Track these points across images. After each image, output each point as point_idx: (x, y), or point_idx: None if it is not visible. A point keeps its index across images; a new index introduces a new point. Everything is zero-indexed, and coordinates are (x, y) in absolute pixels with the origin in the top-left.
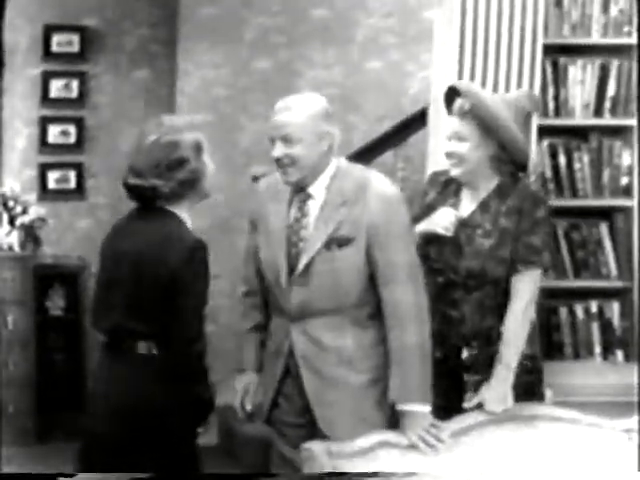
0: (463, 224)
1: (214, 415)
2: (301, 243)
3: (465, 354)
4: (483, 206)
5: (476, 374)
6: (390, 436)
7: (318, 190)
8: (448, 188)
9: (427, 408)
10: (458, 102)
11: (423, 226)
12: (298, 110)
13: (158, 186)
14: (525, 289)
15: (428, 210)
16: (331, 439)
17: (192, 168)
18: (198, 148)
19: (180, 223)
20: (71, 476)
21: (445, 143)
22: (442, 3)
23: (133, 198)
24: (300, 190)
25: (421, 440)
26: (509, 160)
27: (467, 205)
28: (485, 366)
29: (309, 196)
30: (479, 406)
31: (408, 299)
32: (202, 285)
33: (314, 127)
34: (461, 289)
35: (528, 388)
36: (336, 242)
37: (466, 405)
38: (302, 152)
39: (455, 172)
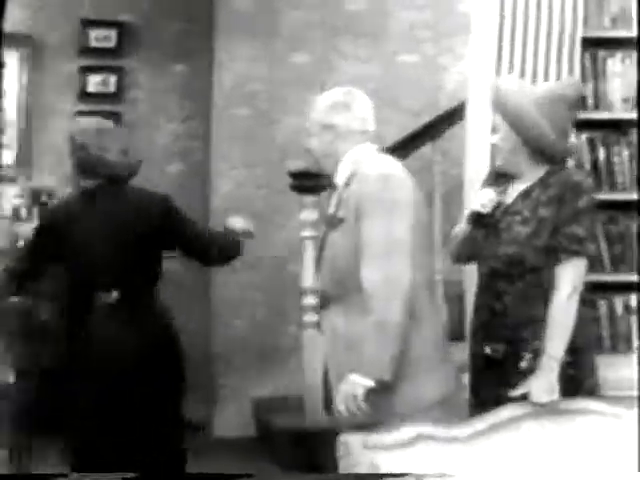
0: (505, 211)
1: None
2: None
3: (510, 347)
4: (525, 194)
5: (521, 367)
6: (428, 429)
7: (339, 178)
8: (499, 180)
9: (366, 382)
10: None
11: (468, 209)
12: (313, 105)
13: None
14: (568, 278)
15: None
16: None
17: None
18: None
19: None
20: (65, 476)
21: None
22: None
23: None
24: (330, 179)
25: (342, 404)
26: (541, 153)
27: (512, 194)
28: (530, 358)
29: (334, 185)
30: (524, 397)
31: (374, 276)
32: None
33: (320, 120)
34: (504, 279)
35: (570, 383)
36: (331, 224)
37: (511, 394)
38: (312, 143)
39: (497, 162)
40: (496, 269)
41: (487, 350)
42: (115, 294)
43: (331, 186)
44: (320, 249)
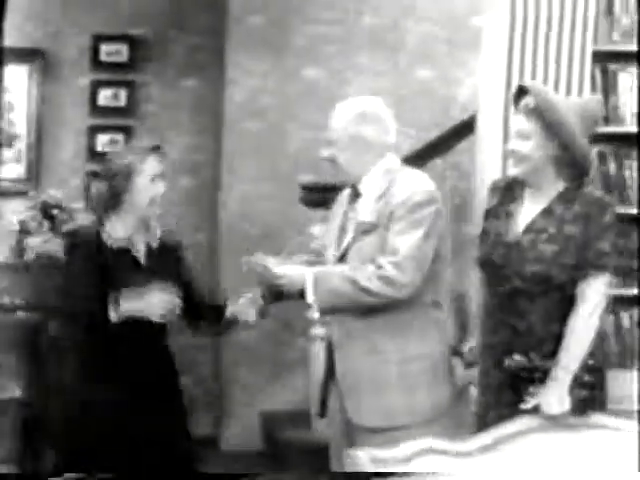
0: (527, 229)
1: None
2: (344, 236)
3: (532, 364)
4: (547, 211)
5: (540, 383)
6: (435, 443)
7: (365, 187)
8: (509, 193)
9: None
10: (524, 100)
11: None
12: (337, 115)
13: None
14: (593, 293)
15: (487, 217)
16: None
17: (111, 184)
18: (127, 170)
19: (92, 223)
20: (59, 475)
21: (510, 140)
22: (491, 9)
23: None
24: (353, 188)
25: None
26: (571, 163)
27: (530, 209)
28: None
29: (358, 193)
30: (536, 409)
31: (380, 271)
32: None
33: (347, 130)
34: (526, 298)
35: (587, 403)
36: (362, 229)
37: (523, 407)
38: (338, 153)
39: (514, 171)
40: (518, 288)
41: (507, 363)
42: None
43: (356, 195)
44: (342, 255)
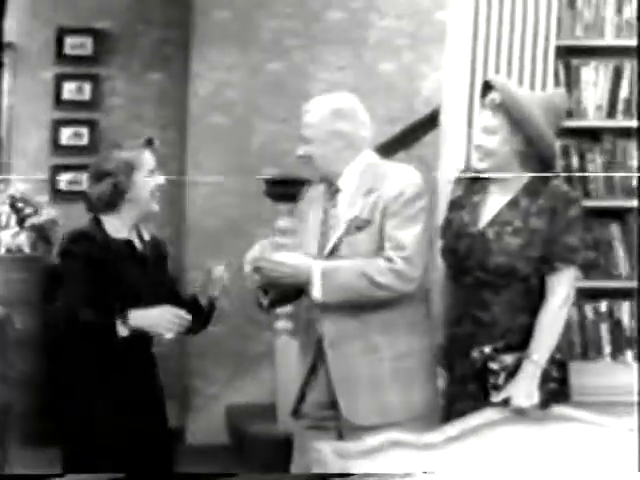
0: (492, 221)
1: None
2: (330, 232)
3: (498, 356)
4: (512, 204)
5: (509, 376)
6: (400, 435)
7: (345, 183)
8: (474, 185)
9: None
10: (490, 96)
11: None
12: (312, 111)
13: (87, 193)
14: (561, 287)
15: (452, 208)
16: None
17: (114, 182)
18: (129, 167)
19: (90, 224)
20: (61, 476)
21: (475, 136)
22: (455, 4)
23: None
24: (330, 184)
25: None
26: (536, 157)
27: (495, 201)
28: (517, 367)
29: (337, 189)
30: (505, 402)
31: (387, 263)
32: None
33: (325, 127)
34: (490, 289)
35: (555, 396)
36: (354, 225)
37: (493, 400)
38: (315, 150)
39: (481, 165)
40: (482, 279)
41: (474, 355)
42: None
43: (335, 191)
44: (331, 251)
